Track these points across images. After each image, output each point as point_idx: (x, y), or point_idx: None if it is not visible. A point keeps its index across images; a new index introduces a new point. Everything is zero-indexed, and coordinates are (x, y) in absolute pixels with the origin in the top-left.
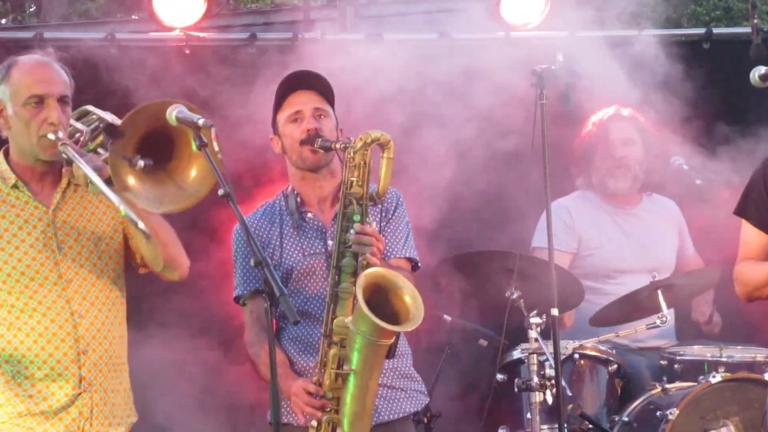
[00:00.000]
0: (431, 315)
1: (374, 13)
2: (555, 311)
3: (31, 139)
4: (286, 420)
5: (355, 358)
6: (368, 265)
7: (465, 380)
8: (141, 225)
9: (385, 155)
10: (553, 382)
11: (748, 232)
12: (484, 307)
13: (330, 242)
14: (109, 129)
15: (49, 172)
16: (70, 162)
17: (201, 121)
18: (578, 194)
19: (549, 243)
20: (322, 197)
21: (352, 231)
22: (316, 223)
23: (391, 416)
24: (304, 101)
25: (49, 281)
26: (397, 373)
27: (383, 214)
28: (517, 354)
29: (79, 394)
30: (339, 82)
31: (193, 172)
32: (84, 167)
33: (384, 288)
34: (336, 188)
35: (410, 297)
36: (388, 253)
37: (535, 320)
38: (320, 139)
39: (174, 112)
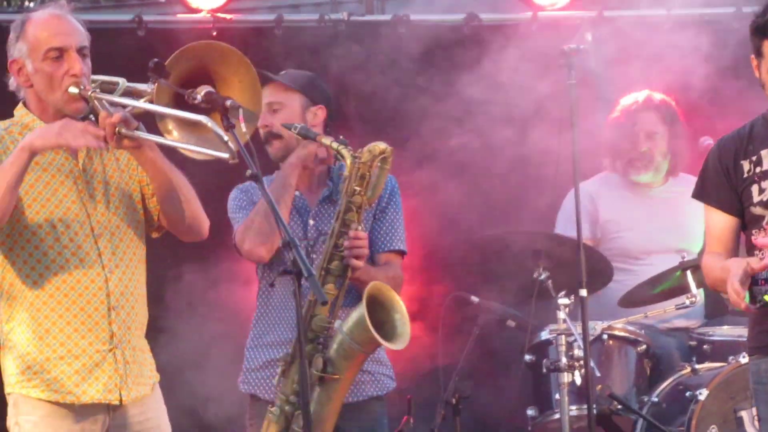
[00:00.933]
0: (459, 296)
1: None
2: (583, 292)
3: (55, 94)
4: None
5: (342, 365)
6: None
7: (493, 361)
8: (226, 139)
9: (382, 165)
10: (581, 362)
11: (711, 216)
12: (512, 288)
13: (311, 222)
14: (158, 67)
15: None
16: (90, 117)
17: (228, 102)
18: (603, 176)
19: (577, 221)
20: (311, 179)
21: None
22: (301, 201)
23: (354, 398)
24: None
25: (82, 232)
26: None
27: (377, 203)
28: (545, 335)
29: (111, 350)
30: (365, 63)
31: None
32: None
33: (379, 301)
34: (324, 170)
35: (399, 315)
36: (379, 246)
37: (563, 301)
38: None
39: (203, 91)
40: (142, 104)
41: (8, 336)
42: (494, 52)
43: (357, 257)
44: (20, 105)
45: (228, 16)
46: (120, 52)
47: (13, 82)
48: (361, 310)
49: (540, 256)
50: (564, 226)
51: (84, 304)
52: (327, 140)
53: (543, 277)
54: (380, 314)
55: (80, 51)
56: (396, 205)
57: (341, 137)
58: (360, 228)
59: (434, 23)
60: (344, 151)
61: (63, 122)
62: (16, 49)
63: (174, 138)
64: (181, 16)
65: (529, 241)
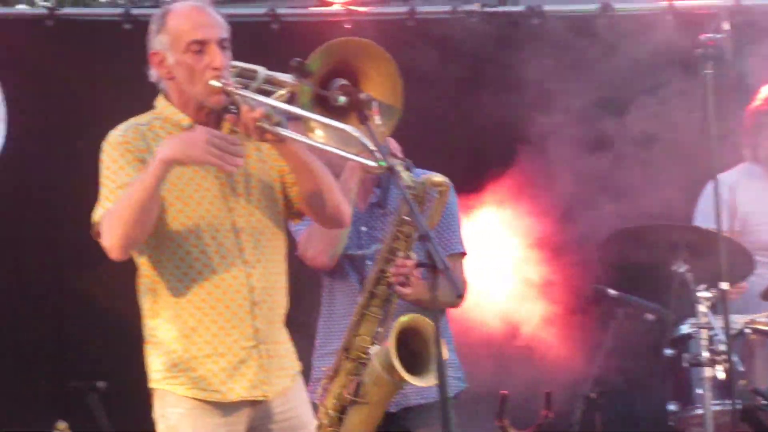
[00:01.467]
0: (597, 290)
1: None
2: (725, 284)
3: (195, 87)
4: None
5: (373, 391)
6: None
7: (632, 355)
8: (373, 149)
9: (439, 197)
10: (723, 357)
11: None
12: (651, 281)
13: (363, 228)
14: (300, 66)
15: (212, 121)
16: (227, 110)
17: (363, 95)
18: (743, 168)
19: (717, 214)
20: (360, 185)
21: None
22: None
23: (422, 400)
24: None
25: (224, 228)
26: None
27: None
28: (685, 329)
29: (255, 347)
30: (498, 54)
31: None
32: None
33: (415, 330)
34: (372, 176)
35: (434, 348)
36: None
37: (703, 294)
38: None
39: (338, 84)
40: (284, 106)
41: (153, 332)
42: (628, 42)
43: (403, 284)
44: (160, 97)
45: (361, 9)
46: (253, 45)
47: (153, 74)
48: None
49: (679, 249)
50: (702, 219)
51: (228, 302)
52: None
53: (682, 269)
54: (417, 344)
55: (221, 43)
56: (451, 207)
57: (407, 160)
58: (409, 254)
59: (568, 13)
60: (404, 174)
61: (206, 137)
62: (157, 41)
63: (316, 137)
64: (314, 9)
65: (668, 233)
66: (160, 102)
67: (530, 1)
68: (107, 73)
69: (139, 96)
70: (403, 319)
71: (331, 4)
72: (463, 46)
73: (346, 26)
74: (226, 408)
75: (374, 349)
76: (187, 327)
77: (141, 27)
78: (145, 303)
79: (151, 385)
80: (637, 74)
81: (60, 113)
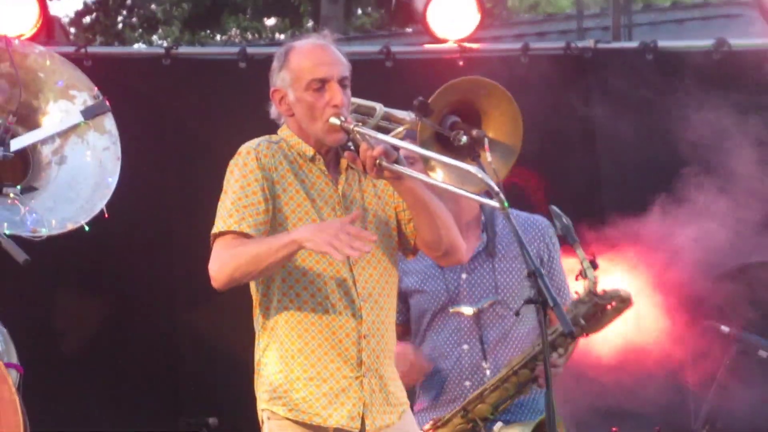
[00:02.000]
0: (709, 326)
1: (649, 19)
2: None
3: (315, 124)
4: None
5: None
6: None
7: (745, 392)
8: (498, 191)
9: (614, 311)
10: None
11: None
12: (765, 318)
13: (464, 276)
14: (422, 105)
15: (330, 157)
16: (349, 147)
17: (475, 132)
18: None
19: None
20: (470, 223)
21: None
22: None
23: None
24: None
25: (337, 261)
26: None
27: (540, 261)
28: None
29: (358, 378)
30: (612, 91)
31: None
32: (398, 142)
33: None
34: (474, 218)
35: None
36: None
37: None
38: None
39: (450, 121)
40: (406, 144)
41: (262, 356)
42: (744, 77)
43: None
44: (284, 126)
45: (474, 46)
46: (368, 82)
47: (274, 110)
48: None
49: None
50: None
51: (335, 329)
52: (581, 253)
53: None
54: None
55: (341, 81)
56: (557, 255)
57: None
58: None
59: (683, 50)
60: (590, 275)
61: (338, 227)
62: (279, 78)
63: (435, 175)
64: (428, 47)
65: None
66: (284, 131)
67: (644, 37)
68: (222, 110)
69: (253, 134)
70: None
71: (444, 41)
72: (575, 82)
73: (459, 63)
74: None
75: (497, 426)
76: (293, 349)
77: (256, 65)
78: (257, 327)
79: (260, 405)
80: (753, 108)
81: (175, 151)
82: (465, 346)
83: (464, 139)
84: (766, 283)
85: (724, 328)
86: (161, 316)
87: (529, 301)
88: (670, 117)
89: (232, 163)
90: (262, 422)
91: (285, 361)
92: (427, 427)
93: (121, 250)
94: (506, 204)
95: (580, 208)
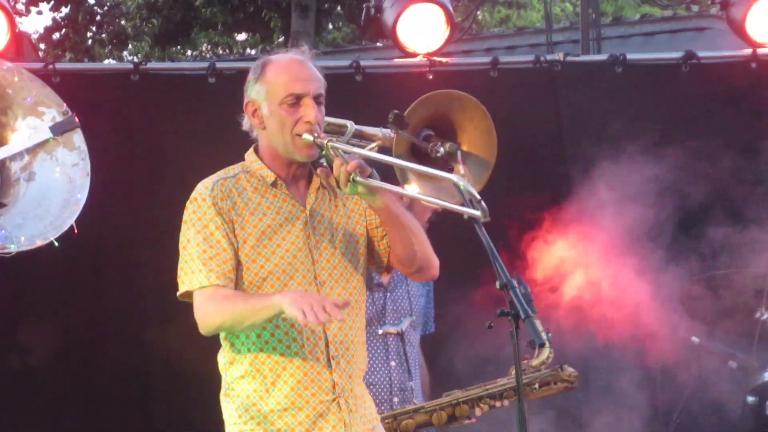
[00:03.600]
0: (679, 337)
1: (618, 33)
2: None
3: (285, 139)
4: None
5: None
6: None
7: (714, 402)
8: (479, 199)
9: (561, 386)
10: None
11: None
12: (733, 328)
13: (388, 294)
14: (397, 118)
15: (301, 174)
16: (321, 163)
17: (447, 145)
18: None
19: None
20: None
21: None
22: (376, 278)
23: None
24: None
25: (305, 282)
26: None
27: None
28: None
29: (335, 400)
30: (582, 103)
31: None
32: (372, 155)
33: None
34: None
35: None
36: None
37: None
38: None
39: (423, 135)
40: (383, 157)
41: (231, 385)
42: (713, 89)
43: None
44: (251, 150)
45: (444, 60)
46: (338, 95)
47: (246, 122)
48: None
49: (762, 296)
50: None
51: (305, 355)
52: (539, 325)
53: (766, 317)
54: None
55: (316, 99)
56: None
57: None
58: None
59: (652, 62)
60: (546, 350)
61: (318, 301)
62: (254, 90)
63: (411, 187)
64: (398, 61)
65: (751, 281)
66: (249, 156)
67: (613, 50)
68: (191, 126)
69: (222, 149)
70: None
71: (414, 55)
72: (545, 95)
73: (429, 77)
74: None
75: None
76: (266, 382)
77: (225, 80)
78: (223, 356)
79: (231, 423)
80: (722, 120)
81: (144, 166)
82: (393, 363)
83: (442, 150)
84: (734, 293)
85: (695, 339)
86: (131, 332)
87: (502, 314)
88: (640, 128)
89: (189, 211)
90: None
91: (257, 393)
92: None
93: (90, 267)
94: (487, 214)
95: (549, 220)
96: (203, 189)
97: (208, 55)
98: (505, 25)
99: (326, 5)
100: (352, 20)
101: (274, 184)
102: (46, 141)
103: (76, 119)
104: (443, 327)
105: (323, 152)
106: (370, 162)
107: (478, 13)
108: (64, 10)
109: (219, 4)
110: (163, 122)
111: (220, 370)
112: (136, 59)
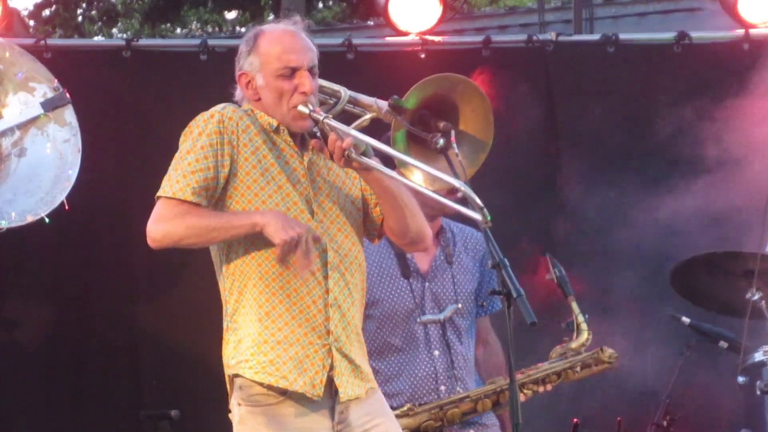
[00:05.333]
0: (670, 317)
1: (611, 13)
2: None
3: (282, 111)
4: None
5: None
6: None
7: (705, 383)
8: (482, 205)
9: (595, 366)
10: None
11: None
12: (724, 309)
13: (427, 284)
14: (395, 105)
15: (296, 140)
16: (315, 134)
17: (442, 125)
18: None
19: None
20: None
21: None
22: (413, 265)
23: None
24: None
25: (309, 224)
26: None
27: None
28: (759, 356)
29: (326, 346)
30: (572, 83)
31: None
32: (369, 140)
33: None
34: (436, 225)
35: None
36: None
37: None
38: None
39: (418, 114)
40: (382, 146)
41: (233, 317)
42: (705, 70)
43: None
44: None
45: (436, 38)
46: (330, 74)
47: (239, 94)
48: None
49: (752, 277)
50: None
51: (303, 295)
52: (576, 308)
53: (756, 297)
54: None
55: (311, 70)
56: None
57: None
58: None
59: (644, 43)
60: (585, 332)
61: (302, 229)
62: (247, 62)
63: (410, 173)
64: (390, 39)
65: (742, 261)
66: (247, 106)
67: (606, 30)
68: (182, 103)
69: None
70: None
71: (406, 34)
72: (537, 75)
73: (421, 56)
74: (298, 400)
75: None
76: (261, 313)
77: (217, 58)
78: (224, 294)
79: (227, 371)
80: (713, 101)
81: (135, 142)
82: (436, 352)
83: (441, 142)
84: (730, 273)
85: (685, 319)
86: (122, 309)
87: (494, 292)
88: (632, 109)
89: (193, 122)
90: (231, 390)
91: (253, 324)
92: (397, 412)
93: (81, 242)
94: (488, 217)
95: (540, 200)
96: (215, 107)
97: (197, 33)
98: (496, 4)
99: None
100: None
101: (276, 131)
102: (38, 117)
103: (68, 95)
104: None
105: (318, 125)
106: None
107: None
108: None
109: None
110: (154, 99)
111: (224, 303)
112: (126, 36)
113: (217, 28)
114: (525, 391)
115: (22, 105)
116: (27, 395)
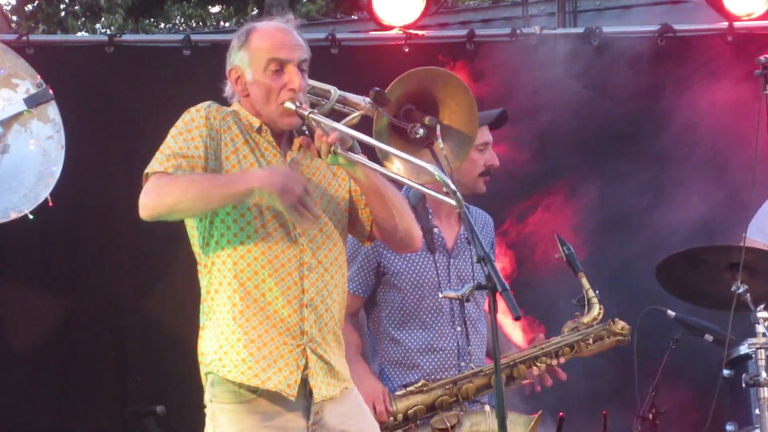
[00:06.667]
0: (655, 310)
1: (594, 6)
2: None
3: (270, 107)
4: None
5: None
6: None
7: (690, 376)
8: (455, 189)
9: (609, 338)
10: None
11: None
12: (709, 302)
13: (452, 261)
14: (378, 96)
15: (282, 134)
16: (303, 131)
17: (427, 119)
18: None
19: None
20: (449, 213)
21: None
22: (440, 241)
23: None
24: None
25: (283, 228)
26: None
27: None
28: (744, 349)
29: (300, 346)
30: (557, 77)
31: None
32: (353, 133)
33: None
34: None
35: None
36: None
37: (762, 314)
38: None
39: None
40: (362, 136)
41: (205, 324)
42: (689, 63)
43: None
44: (235, 103)
45: (420, 32)
46: (314, 68)
47: (228, 89)
48: None
49: (737, 269)
50: (755, 232)
51: (278, 295)
52: (586, 283)
53: (741, 290)
54: None
55: (300, 66)
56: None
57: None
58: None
59: (628, 35)
60: (596, 306)
61: (303, 183)
62: (237, 57)
63: (392, 166)
64: (373, 34)
65: (727, 254)
66: (235, 105)
67: (589, 23)
68: (166, 98)
69: None
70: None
71: (390, 28)
72: (523, 69)
73: (405, 50)
74: (271, 399)
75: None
76: (235, 311)
77: (200, 53)
78: (202, 293)
79: (202, 368)
80: (697, 94)
81: (119, 138)
82: (458, 328)
83: (421, 132)
84: (714, 266)
85: (671, 313)
86: (107, 305)
87: (479, 287)
88: (613, 101)
89: (180, 118)
90: (206, 388)
91: (227, 323)
92: (412, 388)
93: (66, 239)
94: (462, 204)
95: (526, 193)
96: (201, 104)
97: (181, 28)
98: None
99: None
100: None
101: (259, 130)
102: (20, 113)
103: (51, 91)
104: None
105: (305, 122)
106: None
107: None
108: None
109: None
110: (137, 94)
111: (202, 300)
112: (109, 32)
113: (200, 23)
114: (538, 363)
115: (5, 101)
116: (12, 391)
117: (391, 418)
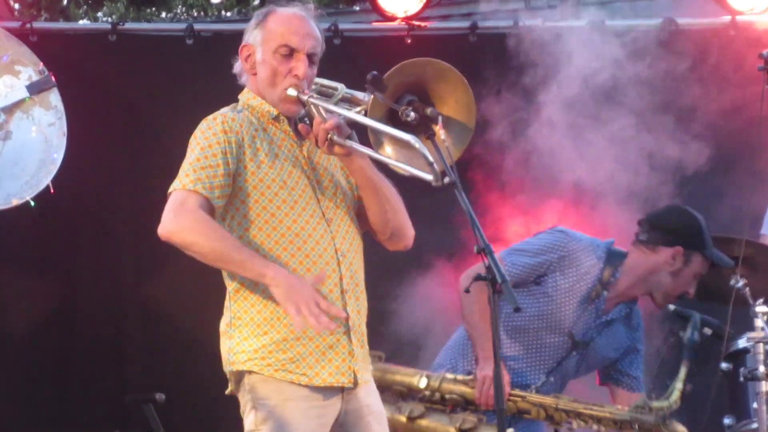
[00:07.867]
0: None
1: None
2: None
3: (274, 91)
4: None
5: None
6: None
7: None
8: (432, 161)
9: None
10: None
11: None
12: (708, 296)
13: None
14: (375, 80)
15: (293, 123)
16: (304, 120)
17: (429, 111)
18: None
19: None
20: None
21: None
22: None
23: None
24: None
25: (316, 216)
26: None
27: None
28: (742, 343)
29: (346, 333)
30: (559, 68)
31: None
32: (348, 114)
33: None
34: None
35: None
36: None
37: (761, 308)
38: None
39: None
40: (355, 116)
41: (239, 314)
42: (691, 56)
43: None
44: (245, 90)
45: (423, 24)
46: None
47: (238, 66)
48: None
49: (737, 263)
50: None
51: (319, 286)
52: (684, 374)
53: (740, 284)
54: None
55: (310, 56)
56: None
57: None
58: None
59: (630, 28)
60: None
61: (309, 296)
62: (252, 35)
63: (384, 152)
64: (376, 24)
65: (726, 247)
66: (244, 95)
67: (593, 15)
68: (168, 87)
69: (199, 110)
70: None
71: (393, 19)
72: (526, 61)
73: (407, 41)
74: (315, 392)
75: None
76: (279, 310)
77: (203, 42)
78: (231, 284)
79: (235, 367)
80: (700, 88)
81: (120, 126)
82: (552, 379)
83: (412, 114)
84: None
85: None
86: (107, 293)
87: (479, 278)
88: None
89: (197, 129)
90: (237, 380)
91: (268, 322)
92: (460, 377)
93: (67, 226)
94: (440, 178)
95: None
96: (217, 113)
97: (182, 17)
98: None
99: None
100: None
101: (276, 119)
102: (23, 100)
103: (53, 79)
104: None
105: (305, 108)
106: (351, 126)
107: None
108: None
109: None
110: (140, 83)
111: (227, 299)
112: (111, 20)
113: (202, 13)
114: (579, 420)
115: (7, 88)
116: (12, 380)
117: (429, 392)
